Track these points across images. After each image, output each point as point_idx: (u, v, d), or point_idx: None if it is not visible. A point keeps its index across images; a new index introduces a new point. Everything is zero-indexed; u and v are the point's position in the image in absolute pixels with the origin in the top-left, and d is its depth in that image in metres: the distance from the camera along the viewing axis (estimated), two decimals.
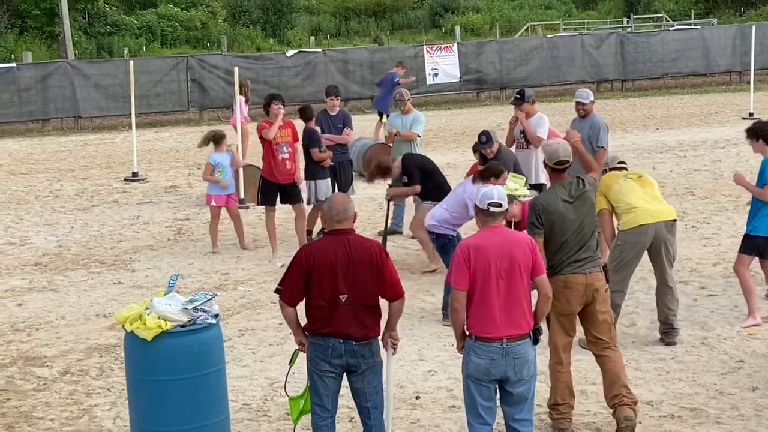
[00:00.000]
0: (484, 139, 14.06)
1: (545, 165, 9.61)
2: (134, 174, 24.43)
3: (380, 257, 8.10)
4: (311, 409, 8.43)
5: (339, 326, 8.06)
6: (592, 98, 14.45)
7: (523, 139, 15.25)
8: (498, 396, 8.18)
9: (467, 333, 8.10)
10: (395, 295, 8.21)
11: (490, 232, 8.10)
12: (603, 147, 14.01)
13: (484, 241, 8.05)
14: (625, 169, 12.26)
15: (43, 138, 33.23)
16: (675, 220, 11.75)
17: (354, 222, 8.32)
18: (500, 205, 8.08)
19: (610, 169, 12.18)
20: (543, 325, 8.43)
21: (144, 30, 61.86)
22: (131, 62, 27.66)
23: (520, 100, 15.45)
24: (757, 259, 12.51)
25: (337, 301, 8.04)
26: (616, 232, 11.78)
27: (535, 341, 8.13)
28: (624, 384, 9.24)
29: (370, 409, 8.23)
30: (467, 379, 8.09)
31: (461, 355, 7.94)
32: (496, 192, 8.14)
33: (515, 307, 7.98)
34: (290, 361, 8.75)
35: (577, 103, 14.49)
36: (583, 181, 9.50)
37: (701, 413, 9.74)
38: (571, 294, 9.16)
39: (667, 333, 11.71)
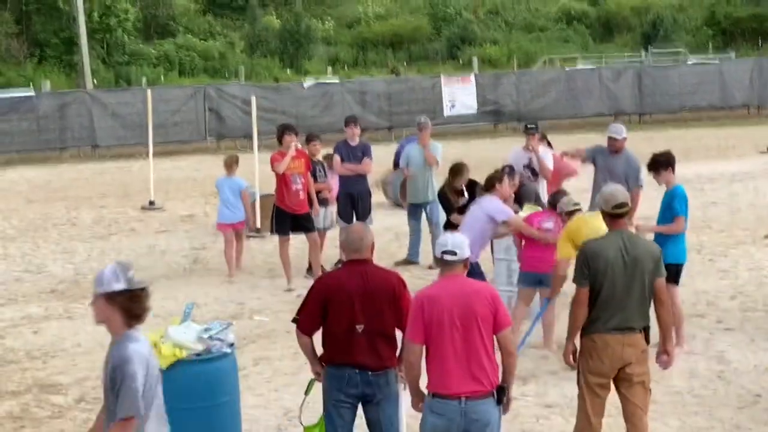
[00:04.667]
0: (509, 170, 14.14)
1: (602, 212, 8.80)
2: (151, 203, 24.49)
3: (398, 288, 8.08)
4: None
5: (355, 356, 8.03)
6: (625, 135, 14.44)
7: (529, 172, 15.38)
8: None
9: (427, 390, 7.56)
10: None
11: (447, 282, 7.60)
12: (641, 186, 13.88)
13: (440, 290, 7.56)
14: (579, 210, 12.31)
15: (61, 166, 33.35)
16: None
17: (372, 252, 8.31)
18: (454, 253, 7.55)
19: (567, 214, 12.26)
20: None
21: (162, 59, 62.05)
22: (149, 91, 27.79)
23: (534, 129, 15.69)
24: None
25: (354, 331, 8.02)
26: None
27: (499, 401, 7.52)
28: None
29: None
30: None
31: None
32: (450, 239, 7.69)
33: (474, 362, 7.41)
34: (306, 391, 8.73)
35: (610, 138, 14.45)
36: (642, 242, 8.88)
37: None
38: (605, 353, 8.50)
39: None
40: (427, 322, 7.44)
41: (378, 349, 8.04)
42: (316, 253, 16.43)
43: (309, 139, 17.04)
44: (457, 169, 15.25)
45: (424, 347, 7.52)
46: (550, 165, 15.55)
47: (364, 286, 8.04)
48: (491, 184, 13.08)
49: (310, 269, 16.64)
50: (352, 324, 8.01)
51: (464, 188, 14.94)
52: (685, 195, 12.41)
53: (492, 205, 12.89)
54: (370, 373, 7.98)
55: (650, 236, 11.94)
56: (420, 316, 7.47)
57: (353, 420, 8.31)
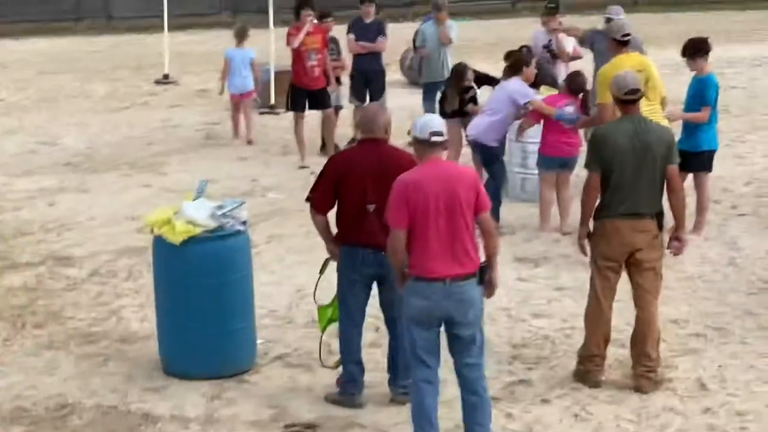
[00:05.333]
0: (525, 51, 14.03)
1: (614, 98, 8.79)
2: (165, 76, 24.35)
3: (410, 168, 8.04)
4: (339, 318, 8.46)
5: (369, 236, 8.04)
6: (622, 15, 14.03)
7: (548, 54, 15.23)
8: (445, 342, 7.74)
9: (407, 273, 7.52)
10: None
11: (429, 166, 7.48)
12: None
13: (423, 176, 7.44)
14: (629, 41, 11.80)
15: (75, 37, 33.12)
16: None
17: (387, 132, 8.26)
18: (441, 134, 7.48)
19: (615, 40, 11.76)
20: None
21: None
22: None
23: (554, 9, 15.46)
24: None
25: (365, 210, 8.02)
26: None
27: (481, 281, 7.56)
28: (646, 353, 8.67)
29: (397, 319, 8.21)
30: (408, 322, 7.57)
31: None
32: (436, 120, 7.66)
33: (457, 245, 7.42)
34: (320, 270, 8.74)
35: (608, 20, 14.06)
36: (655, 127, 8.80)
37: (727, 332, 9.74)
38: (614, 237, 8.54)
39: None
40: (412, 208, 7.37)
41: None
42: (330, 130, 16.41)
43: (321, 17, 16.83)
44: (457, 72, 14.85)
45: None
46: (569, 48, 15.35)
47: (377, 166, 8.01)
48: (519, 65, 12.98)
49: (323, 147, 16.62)
50: (364, 203, 8.00)
51: (473, 84, 14.67)
52: (717, 84, 12.27)
53: (515, 87, 12.83)
54: (383, 252, 7.96)
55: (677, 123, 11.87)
56: (404, 202, 7.38)
57: (367, 299, 8.36)
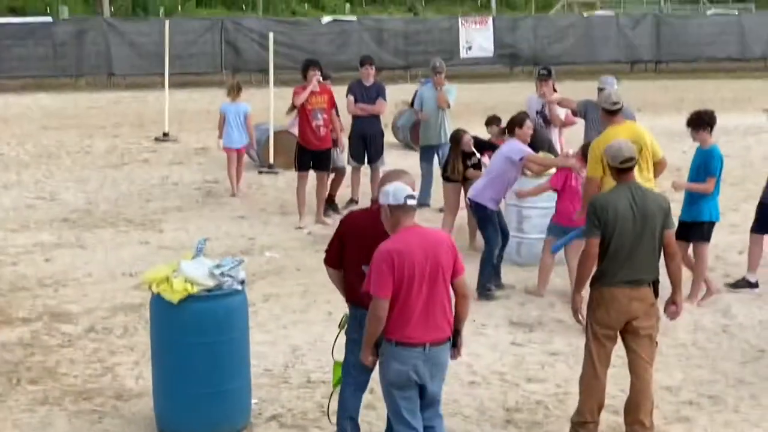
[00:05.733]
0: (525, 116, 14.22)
1: (610, 167, 8.90)
2: (165, 134, 24.53)
3: None
4: (341, 376, 8.48)
5: (363, 297, 8.10)
6: (616, 87, 13.88)
7: (541, 119, 15.42)
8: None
9: (387, 339, 7.53)
10: None
11: (410, 234, 7.49)
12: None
13: (406, 243, 7.44)
14: (620, 110, 11.75)
15: (76, 93, 33.33)
16: None
17: None
18: (415, 197, 7.53)
19: (605, 110, 11.76)
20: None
21: None
22: (167, 23, 27.71)
23: (547, 75, 15.65)
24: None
25: (361, 271, 8.08)
26: None
27: (454, 345, 7.73)
28: (640, 421, 8.68)
29: None
30: (389, 387, 7.60)
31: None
32: (409, 185, 7.65)
33: (437, 311, 7.51)
34: (339, 324, 8.68)
35: (601, 90, 13.93)
36: (651, 194, 8.91)
37: (720, 401, 9.76)
38: (612, 306, 8.54)
39: None
40: (398, 276, 7.40)
41: None
42: (322, 192, 16.49)
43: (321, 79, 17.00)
44: (455, 138, 15.00)
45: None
46: (561, 114, 15.61)
47: (379, 229, 8.06)
48: (512, 127, 13.17)
49: (331, 204, 16.79)
50: (360, 264, 8.05)
51: (474, 150, 14.81)
52: (721, 156, 12.39)
53: (509, 147, 12.99)
54: None
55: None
56: (390, 271, 7.39)
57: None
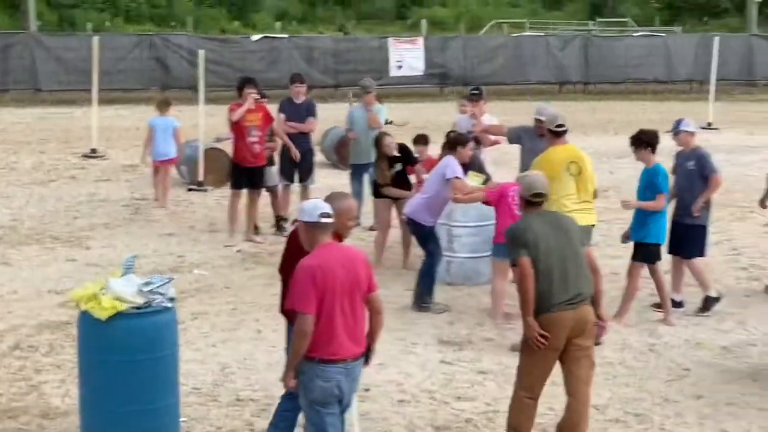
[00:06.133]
0: (453, 136, 14.35)
1: (520, 198, 9.04)
2: (93, 151, 24.35)
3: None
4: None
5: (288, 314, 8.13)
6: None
7: (472, 140, 15.46)
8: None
9: (308, 357, 7.55)
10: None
11: (328, 250, 7.58)
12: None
13: (326, 259, 7.51)
14: (565, 131, 12.20)
15: (2, 109, 32.99)
16: (593, 225, 12.10)
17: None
18: (330, 215, 7.60)
19: (551, 131, 12.22)
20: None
21: (108, 5, 61.35)
22: (95, 38, 27.52)
23: (478, 95, 15.74)
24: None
25: None
26: None
27: (366, 361, 7.86)
28: None
29: None
30: (314, 405, 7.63)
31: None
32: (322, 202, 7.76)
33: (357, 326, 7.66)
34: None
35: (537, 120, 13.66)
36: (560, 215, 9.13)
37: (646, 419, 9.86)
38: (557, 329, 8.48)
39: None
40: (321, 292, 7.45)
41: None
42: (254, 211, 16.44)
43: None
44: (376, 140, 15.11)
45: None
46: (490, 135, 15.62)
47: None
48: (454, 145, 13.26)
49: (277, 224, 16.80)
50: None
51: (398, 154, 14.91)
52: (666, 173, 12.55)
53: (445, 163, 13.08)
54: None
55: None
56: (313, 286, 7.44)
57: None
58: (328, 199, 8.01)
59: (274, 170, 17.03)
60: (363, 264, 7.72)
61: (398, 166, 14.83)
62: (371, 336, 7.84)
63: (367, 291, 7.72)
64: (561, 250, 8.59)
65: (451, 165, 13.02)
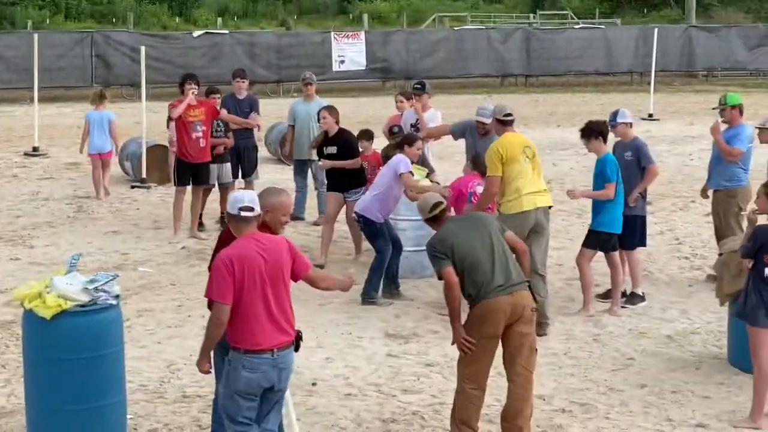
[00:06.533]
0: (396, 129, 14.46)
1: (425, 221, 9.30)
2: (35, 149, 24.15)
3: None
4: None
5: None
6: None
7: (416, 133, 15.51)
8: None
9: (234, 348, 7.65)
10: None
11: (247, 240, 7.65)
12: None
13: (246, 249, 7.60)
14: (513, 120, 12.37)
15: None
16: (551, 207, 12.22)
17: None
18: (251, 209, 7.67)
19: (498, 120, 12.36)
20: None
21: (48, 2, 60.90)
22: (35, 35, 27.30)
23: (421, 90, 15.75)
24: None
25: None
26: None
27: (297, 348, 7.90)
28: (519, 426, 8.82)
29: None
30: (234, 394, 7.67)
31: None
32: (246, 196, 7.78)
33: (282, 314, 7.70)
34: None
35: (479, 122, 13.87)
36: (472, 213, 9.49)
37: (591, 408, 9.95)
38: (497, 315, 8.61)
39: (540, 324, 12.10)
40: (239, 282, 7.53)
41: None
42: (197, 207, 16.35)
43: (209, 93, 16.92)
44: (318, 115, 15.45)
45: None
46: (435, 125, 15.57)
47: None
48: (402, 144, 13.35)
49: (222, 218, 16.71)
50: None
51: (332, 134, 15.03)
52: (615, 162, 12.63)
53: (396, 159, 13.14)
54: None
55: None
56: (230, 276, 7.52)
57: None
58: (262, 194, 8.07)
59: (228, 167, 16.85)
60: (285, 251, 7.76)
61: (332, 149, 14.83)
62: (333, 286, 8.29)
63: (300, 274, 7.83)
64: (484, 241, 8.77)
65: (403, 161, 13.11)
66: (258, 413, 7.84)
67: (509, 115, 12.32)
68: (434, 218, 9.14)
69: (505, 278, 8.70)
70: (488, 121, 13.44)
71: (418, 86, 16.08)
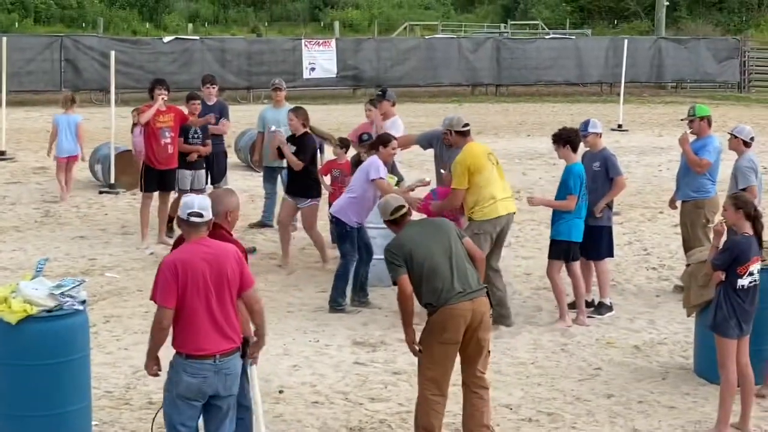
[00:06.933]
0: (367, 137, 14.45)
1: (386, 223, 9.36)
2: (2, 153, 24.02)
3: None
4: None
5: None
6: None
7: None
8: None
9: (177, 352, 7.66)
10: None
11: (194, 245, 7.66)
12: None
13: (191, 254, 7.62)
14: (469, 130, 12.56)
15: None
16: (514, 213, 12.49)
17: (228, 218, 8.30)
18: (200, 215, 7.65)
19: (457, 132, 12.51)
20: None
21: (17, 5, 60.67)
22: (4, 39, 27.13)
23: (381, 96, 15.70)
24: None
25: None
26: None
27: (243, 354, 7.87)
28: (485, 424, 8.94)
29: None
30: (176, 398, 7.67)
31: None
32: (197, 201, 7.74)
33: (225, 321, 7.66)
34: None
35: (444, 133, 13.15)
36: (432, 220, 9.58)
37: (558, 418, 9.96)
38: (458, 322, 8.66)
39: (503, 316, 12.15)
40: (182, 286, 7.54)
41: None
42: (165, 212, 16.25)
43: (189, 98, 16.80)
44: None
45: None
46: (398, 134, 15.49)
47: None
48: (377, 145, 13.30)
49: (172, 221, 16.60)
50: None
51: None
52: (581, 173, 12.57)
53: (368, 163, 13.11)
54: None
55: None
56: (174, 280, 7.53)
57: None
58: (219, 197, 8.20)
59: (202, 174, 16.70)
60: (232, 260, 7.73)
61: (292, 148, 14.74)
62: (258, 334, 7.92)
63: (241, 289, 7.76)
64: (442, 246, 8.83)
65: (375, 165, 13.03)
66: (209, 425, 7.87)
67: (467, 125, 12.52)
68: (395, 221, 9.18)
69: (464, 285, 8.75)
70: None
71: (380, 93, 16.01)
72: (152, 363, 7.82)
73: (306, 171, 14.67)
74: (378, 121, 15.35)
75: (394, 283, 8.89)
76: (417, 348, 8.82)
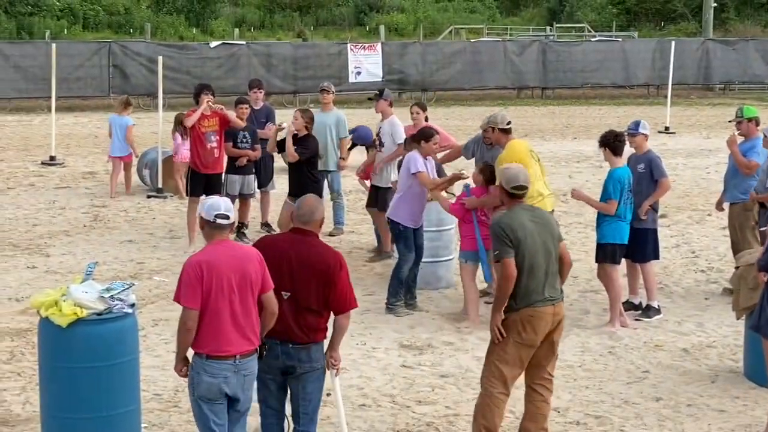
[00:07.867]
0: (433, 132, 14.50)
1: (501, 189, 9.08)
2: (52, 158, 24.22)
3: (334, 268, 8.06)
4: (259, 408, 8.44)
5: (280, 325, 8.06)
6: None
7: (378, 141, 15.54)
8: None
9: (197, 353, 7.71)
10: (339, 309, 8.12)
11: (218, 247, 7.71)
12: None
13: (215, 256, 7.65)
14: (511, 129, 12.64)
15: None
16: (553, 210, 12.42)
17: (320, 227, 8.34)
18: (227, 217, 7.73)
19: (501, 130, 12.59)
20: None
21: (66, 12, 61.13)
22: (53, 45, 27.40)
23: (378, 96, 15.65)
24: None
25: (281, 296, 8.02)
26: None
27: (260, 356, 7.89)
28: (544, 428, 8.96)
29: (300, 415, 8.26)
30: (198, 401, 7.73)
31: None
32: (222, 203, 7.81)
33: (247, 323, 7.70)
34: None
35: (484, 131, 13.29)
36: (541, 210, 9.32)
37: (606, 421, 9.93)
38: (539, 325, 8.65)
39: None
40: (206, 288, 7.56)
41: (303, 321, 8.04)
42: (194, 216, 16.26)
43: (238, 103, 16.93)
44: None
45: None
46: (399, 137, 15.38)
47: (300, 256, 8.03)
48: (418, 139, 13.25)
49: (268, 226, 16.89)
50: (279, 289, 8.01)
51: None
52: (621, 178, 12.46)
53: (407, 158, 13.10)
54: (291, 345, 8.04)
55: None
56: (198, 282, 7.56)
57: (281, 390, 8.28)
58: (305, 204, 8.22)
59: (251, 179, 16.77)
60: (255, 262, 7.75)
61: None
62: (262, 332, 7.90)
63: (261, 290, 7.77)
64: (545, 246, 8.72)
65: (413, 159, 13.00)
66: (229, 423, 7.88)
67: (510, 122, 12.62)
68: (512, 195, 8.92)
69: (551, 292, 8.71)
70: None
71: (377, 93, 15.92)
72: (181, 365, 7.89)
73: (306, 172, 14.85)
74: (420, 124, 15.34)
75: (497, 261, 8.73)
76: (501, 334, 8.66)
